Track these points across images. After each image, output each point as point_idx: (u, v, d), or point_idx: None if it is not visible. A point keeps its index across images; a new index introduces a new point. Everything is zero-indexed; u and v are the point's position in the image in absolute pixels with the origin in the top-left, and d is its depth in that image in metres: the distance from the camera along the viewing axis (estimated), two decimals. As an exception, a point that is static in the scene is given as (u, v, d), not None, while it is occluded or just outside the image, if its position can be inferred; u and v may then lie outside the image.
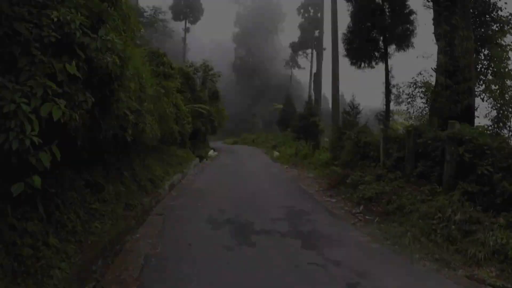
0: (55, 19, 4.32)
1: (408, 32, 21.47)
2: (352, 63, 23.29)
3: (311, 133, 35.45)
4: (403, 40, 21.74)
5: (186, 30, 66.62)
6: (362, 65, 23.24)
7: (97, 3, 5.32)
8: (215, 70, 37.13)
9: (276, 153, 28.19)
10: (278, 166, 21.52)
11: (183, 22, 66.22)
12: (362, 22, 21.41)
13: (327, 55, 43.37)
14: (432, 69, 19.37)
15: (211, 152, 29.34)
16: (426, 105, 19.86)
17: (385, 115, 21.80)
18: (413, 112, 20.39)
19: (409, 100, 20.16)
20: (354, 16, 22.17)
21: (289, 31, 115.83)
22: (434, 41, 12.56)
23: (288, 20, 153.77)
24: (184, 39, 66.08)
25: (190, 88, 29.23)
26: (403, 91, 22.23)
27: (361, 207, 10.23)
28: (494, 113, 15.83)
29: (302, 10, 51.12)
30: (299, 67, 57.99)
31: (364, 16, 21.11)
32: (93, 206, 6.64)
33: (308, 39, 49.93)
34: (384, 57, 22.13)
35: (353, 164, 14.82)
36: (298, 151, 25.30)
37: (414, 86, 20.03)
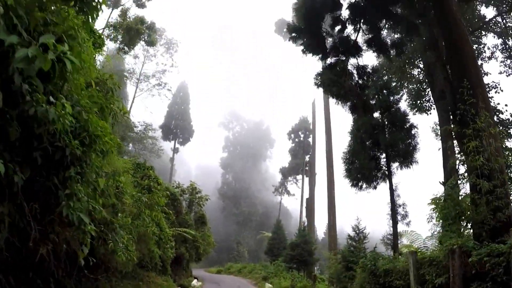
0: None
1: (411, 147, 20.50)
2: (353, 185, 21.75)
3: (305, 262, 32.45)
4: (407, 156, 20.67)
5: (175, 150, 66.27)
6: (364, 186, 21.74)
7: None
8: (202, 193, 35.38)
9: (268, 286, 24.85)
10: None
11: (173, 142, 66.23)
12: (363, 140, 20.43)
13: (320, 180, 42.47)
14: (440, 183, 17.98)
15: (194, 282, 25.82)
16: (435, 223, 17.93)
17: (393, 238, 19.56)
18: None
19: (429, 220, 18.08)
20: (353, 134, 21.32)
21: (279, 157, 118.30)
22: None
23: (277, 145, 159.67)
24: (172, 159, 65.40)
25: (176, 211, 27.12)
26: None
27: None
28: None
29: (292, 135, 51.79)
30: (288, 193, 56.76)
31: (365, 133, 20.22)
32: None
33: (299, 164, 49.58)
34: (388, 176, 20.76)
35: None
36: (294, 283, 22.24)
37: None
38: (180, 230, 25.22)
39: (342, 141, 23.79)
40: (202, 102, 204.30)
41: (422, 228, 19.39)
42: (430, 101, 22.22)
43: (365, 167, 19.65)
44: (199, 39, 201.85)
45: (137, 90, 52.96)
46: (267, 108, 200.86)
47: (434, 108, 21.16)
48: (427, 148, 23.39)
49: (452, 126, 12.77)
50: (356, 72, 20.07)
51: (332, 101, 25.32)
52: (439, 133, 23.03)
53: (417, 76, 23.77)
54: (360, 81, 20.12)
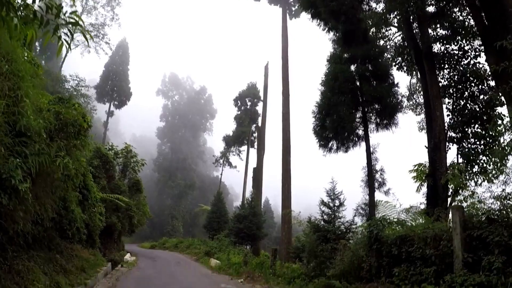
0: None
1: (393, 105, 17.83)
2: (322, 145, 18.77)
3: (253, 236, 29.38)
4: (390, 114, 17.97)
5: (110, 114, 59.63)
6: (334, 147, 18.78)
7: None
8: (138, 158, 30.84)
9: (214, 262, 21.39)
10: (229, 281, 14.86)
11: (107, 105, 59.63)
12: (341, 91, 17.31)
13: (267, 152, 39.31)
14: (426, 147, 15.39)
15: (127, 256, 21.73)
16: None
17: (369, 208, 16.87)
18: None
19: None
20: (328, 85, 18.14)
21: (220, 129, 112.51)
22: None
23: (220, 116, 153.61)
24: (106, 123, 58.87)
25: (108, 175, 23.08)
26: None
27: None
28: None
29: (239, 102, 47.93)
30: (230, 165, 52.65)
31: (345, 82, 17.12)
32: None
33: (245, 133, 45.92)
34: (365, 135, 18.00)
35: (360, 275, 10.02)
36: (248, 259, 18.95)
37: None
38: (111, 196, 21.00)
39: (298, 105, 20.58)
40: (142, 67, 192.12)
41: (401, 199, 16.84)
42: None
43: (344, 120, 16.61)
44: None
45: (72, 43, 46.13)
46: (212, 75, 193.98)
47: (415, 69, 18.40)
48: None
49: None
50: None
51: (292, 59, 22.27)
52: (419, 97, 20.57)
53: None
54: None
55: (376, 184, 17.69)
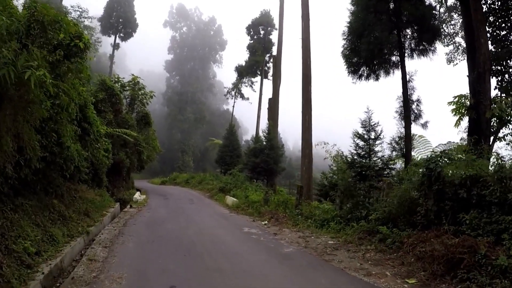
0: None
1: (434, 26, 15.54)
2: (351, 72, 16.66)
3: (270, 171, 28.00)
4: (427, 40, 15.70)
5: (115, 46, 56.87)
6: (365, 74, 16.69)
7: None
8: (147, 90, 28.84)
9: (231, 199, 20.15)
10: (251, 223, 13.48)
11: (113, 38, 56.75)
12: (377, 9, 14.88)
13: (284, 77, 36.91)
14: (467, 76, 13.44)
15: (137, 195, 20.55)
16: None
17: (405, 143, 15.07)
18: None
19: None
20: (360, 4, 15.67)
21: (231, 61, 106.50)
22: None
23: (230, 48, 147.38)
24: (111, 56, 56.31)
25: (114, 109, 21.36)
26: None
27: None
28: None
29: (252, 30, 44.81)
30: (243, 97, 50.25)
31: (376, 5, 14.68)
32: None
33: (259, 62, 43.25)
34: (401, 61, 15.85)
35: (412, 220, 8.52)
36: (268, 197, 17.57)
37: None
38: (119, 131, 19.41)
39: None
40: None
41: (438, 134, 15.07)
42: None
43: (382, 42, 14.38)
44: None
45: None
46: (222, 4, 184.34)
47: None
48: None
49: None
50: None
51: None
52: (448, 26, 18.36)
53: None
54: None
55: (412, 116, 15.74)
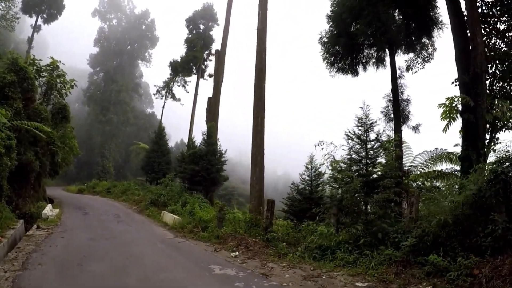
0: None
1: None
2: (330, 64, 14.11)
3: (212, 181, 24.30)
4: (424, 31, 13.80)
5: (36, 28, 49.40)
6: (346, 67, 14.35)
7: None
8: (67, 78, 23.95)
9: (171, 217, 16.27)
10: (216, 258, 9.87)
11: (34, 18, 49.28)
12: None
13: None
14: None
15: (47, 209, 15.78)
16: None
17: (396, 148, 12.58)
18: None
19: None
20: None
21: (160, 61, 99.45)
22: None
23: (162, 46, 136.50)
24: (30, 40, 48.81)
25: (25, 97, 17.29)
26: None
27: None
28: None
29: (191, 24, 40.83)
30: (174, 97, 45.54)
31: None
32: None
33: (197, 58, 39.30)
34: (390, 55, 13.64)
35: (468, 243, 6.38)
36: (223, 215, 14.01)
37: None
38: (28, 124, 15.23)
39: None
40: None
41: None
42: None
43: (385, 24, 11.94)
44: None
45: None
46: None
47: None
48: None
49: None
50: None
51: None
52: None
53: None
54: None
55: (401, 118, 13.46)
